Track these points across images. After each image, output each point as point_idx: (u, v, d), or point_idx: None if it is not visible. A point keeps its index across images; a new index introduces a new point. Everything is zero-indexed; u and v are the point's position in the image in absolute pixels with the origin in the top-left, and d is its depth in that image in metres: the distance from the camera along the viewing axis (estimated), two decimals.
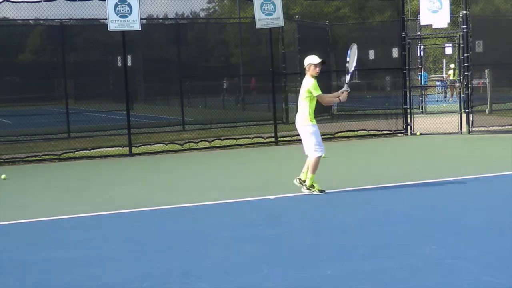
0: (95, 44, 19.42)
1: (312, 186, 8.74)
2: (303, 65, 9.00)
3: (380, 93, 21.10)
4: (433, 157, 12.57)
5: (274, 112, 15.73)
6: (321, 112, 21.13)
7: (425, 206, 7.87)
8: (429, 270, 5.29)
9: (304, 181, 8.88)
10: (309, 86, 8.76)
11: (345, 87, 9.05)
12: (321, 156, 8.81)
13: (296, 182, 8.94)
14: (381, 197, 8.51)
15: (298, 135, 16.26)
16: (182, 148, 14.93)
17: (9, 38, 18.16)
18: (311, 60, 8.81)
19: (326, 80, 21.22)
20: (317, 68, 8.79)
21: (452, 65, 28.63)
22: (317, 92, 8.75)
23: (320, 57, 8.95)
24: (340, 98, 9.05)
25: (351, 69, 9.32)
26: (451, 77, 28.63)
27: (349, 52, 9.40)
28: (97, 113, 20.28)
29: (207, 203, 8.52)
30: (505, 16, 19.85)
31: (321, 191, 8.76)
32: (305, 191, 8.76)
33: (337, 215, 7.65)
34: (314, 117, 9.04)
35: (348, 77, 9.30)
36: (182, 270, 5.57)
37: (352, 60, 9.33)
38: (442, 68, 41.13)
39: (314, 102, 8.90)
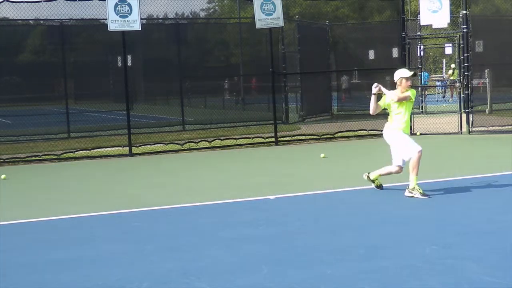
0: (95, 44, 19.42)
1: (414, 188, 8.31)
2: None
3: (380, 93, 21.05)
4: (433, 157, 12.56)
5: (274, 112, 15.73)
6: (321, 112, 21.19)
7: (425, 206, 7.86)
8: (429, 270, 5.29)
9: (374, 180, 8.81)
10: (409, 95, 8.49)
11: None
12: (421, 150, 8.46)
13: (365, 177, 8.88)
14: (381, 197, 8.50)
15: (298, 135, 16.43)
16: (182, 148, 14.93)
17: (9, 38, 18.16)
18: (402, 73, 8.55)
19: (326, 80, 21.27)
20: (409, 82, 8.48)
21: (453, 65, 28.63)
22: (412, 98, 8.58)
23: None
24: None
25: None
26: (451, 77, 28.64)
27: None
28: (97, 113, 20.28)
29: (207, 203, 8.52)
30: (505, 16, 19.86)
31: (424, 194, 8.24)
32: (407, 194, 8.33)
33: (337, 215, 7.65)
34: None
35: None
36: (182, 270, 5.57)
37: None
38: (442, 68, 41.15)
39: (409, 114, 8.63)
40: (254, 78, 22.54)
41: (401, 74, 8.55)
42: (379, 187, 8.83)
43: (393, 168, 8.63)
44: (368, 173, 8.92)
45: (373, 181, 8.84)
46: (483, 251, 5.76)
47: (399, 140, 8.52)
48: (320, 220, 7.39)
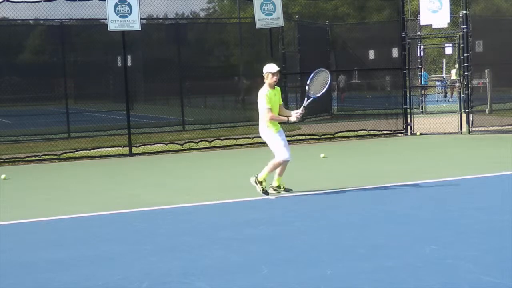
0: (95, 44, 19.40)
1: (261, 182, 8.69)
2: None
3: (380, 93, 21.13)
4: (433, 157, 12.57)
5: None
6: (321, 112, 21.19)
7: (425, 206, 7.86)
8: (429, 270, 5.29)
9: (278, 187, 8.89)
10: (262, 97, 8.55)
11: (301, 109, 8.75)
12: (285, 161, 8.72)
13: (271, 190, 8.90)
14: (381, 197, 8.50)
15: (298, 135, 16.44)
16: (182, 148, 14.94)
17: (9, 38, 18.15)
18: (269, 68, 8.63)
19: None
20: (275, 77, 8.60)
21: (457, 65, 28.65)
22: (267, 105, 8.55)
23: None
24: (290, 118, 8.73)
25: (316, 94, 8.86)
26: (452, 77, 28.64)
27: (314, 76, 8.92)
28: (97, 113, 20.27)
29: (207, 203, 8.52)
30: (505, 16, 19.85)
31: (264, 192, 8.68)
32: (252, 182, 8.74)
33: (337, 215, 7.65)
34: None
35: (306, 101, 8.85)
36: (182, 270, 5.57)
37: (317, 86, 8.89)
38: (442, 68, 41.14)
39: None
40: (259, 79, 22.50)
41: (268, 69, 8.63)
42: (266, 193, 8.78)
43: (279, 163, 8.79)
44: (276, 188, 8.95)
45: (260, 183, 8.75)
46: (483, 251, 5.76)
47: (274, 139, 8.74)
48: (320, 220, 7.39)
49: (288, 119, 8.74)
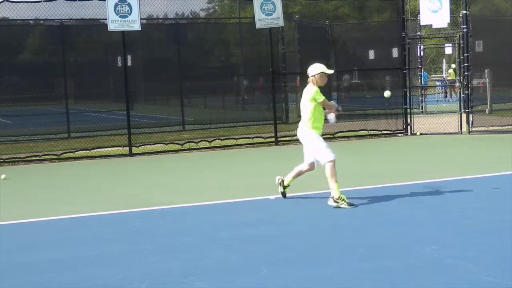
0: (95, 44, 19.41)
1: (340, 198, 7.94)
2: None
3: (380, 93, 21.05)
4: (433, 157, 12.57)
5: (274, 112, 15.74)
6: None
7: (425, 206, 7.86)
8: (429, 270, 5.29)
9: (286, 186, 8.55)
10: (313, 93, 8.12)
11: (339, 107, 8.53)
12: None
13: (278, 181, 8.57)
14: (381, 197, 8.50)
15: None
16: (182, 148, 14.94)
17: (9, 38, 18.15)
18: (324, 69, 8.24)
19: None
20: (327, 78, 8.32)
21: (454, 65, 28.66)
22: (321, 97, 8.20)
23: (322, 60, 8.47)
24: (333, 111, 8.38)
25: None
26: (450, 77, 28.64)
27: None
28: (97, 113, 20.28)
29: (207, 203, 8.52)
30: (505, 16, 19.85)
31: (350, 204, 7.91)
32: (332, 204, 7.98)
33: (337, 215, 7.65)
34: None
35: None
36: (181, 270, 5.57)
37: None
38: (442, 68, 41.16)
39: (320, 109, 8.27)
40: (261, 79, 22.52)
41: (322, 69, 8.26)
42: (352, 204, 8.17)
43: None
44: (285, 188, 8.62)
45: (340, 198, 7.96)
46: (482, 251, 5.76)
47: (318, 140, 8.24)
48: (320, 220, 7.39)
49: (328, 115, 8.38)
